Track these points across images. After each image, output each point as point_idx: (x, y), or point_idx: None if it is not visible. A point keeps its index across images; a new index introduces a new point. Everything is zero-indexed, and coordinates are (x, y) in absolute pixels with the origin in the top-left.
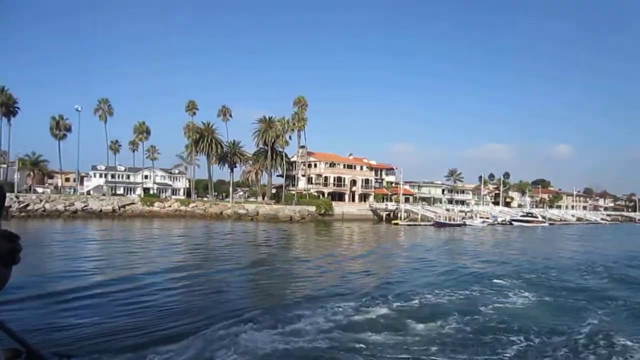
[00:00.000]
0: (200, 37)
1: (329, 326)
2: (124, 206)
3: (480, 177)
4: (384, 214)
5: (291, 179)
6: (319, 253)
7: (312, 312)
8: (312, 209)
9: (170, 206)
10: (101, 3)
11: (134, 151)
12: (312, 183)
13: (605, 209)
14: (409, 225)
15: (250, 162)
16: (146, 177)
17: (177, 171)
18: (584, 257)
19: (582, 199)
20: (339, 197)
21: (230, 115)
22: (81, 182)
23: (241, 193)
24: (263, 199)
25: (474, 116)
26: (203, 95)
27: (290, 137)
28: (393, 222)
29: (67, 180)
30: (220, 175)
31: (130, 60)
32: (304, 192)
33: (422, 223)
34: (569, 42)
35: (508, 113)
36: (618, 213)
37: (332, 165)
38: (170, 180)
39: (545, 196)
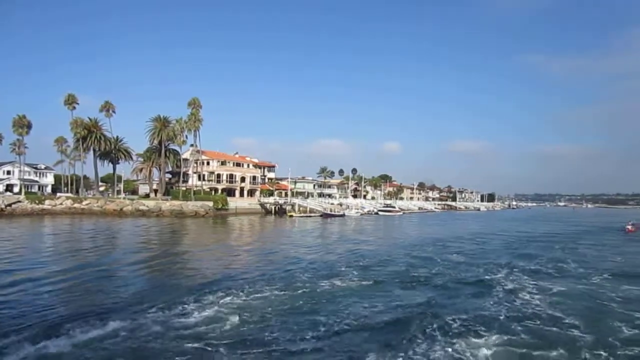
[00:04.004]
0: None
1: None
2: (10, 205)
3: (337, 171)
4: (272, 208)
5: (180, 176)
6: (262, 239)
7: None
8: (211, 204)
9: (61, 204)
10: None
11: None
12: (204, 180)
13: (434, 199)
14: (301, 217)
15: (142, 159)
16: (8, 172)
17: (43, 166)
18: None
19: (417, 191)
20: (229, 192)
21: (114, 111)
22: None
23: (102, 189)
24: (156, 195)
25: (307, 112)
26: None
27: (186, 137)
28: (289, 214)
29: None
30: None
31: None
32: (195, 189)
33: (312, 215)
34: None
35: (340, 109)
36: (443, 202)
37: (223, 163)
38: (37, 176)
39: (391, 189)
